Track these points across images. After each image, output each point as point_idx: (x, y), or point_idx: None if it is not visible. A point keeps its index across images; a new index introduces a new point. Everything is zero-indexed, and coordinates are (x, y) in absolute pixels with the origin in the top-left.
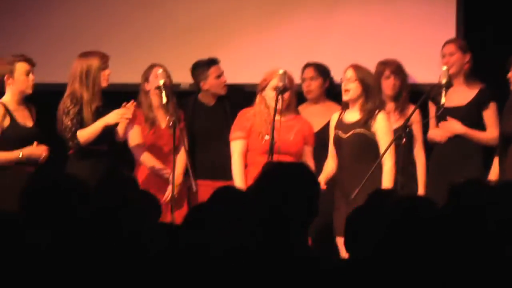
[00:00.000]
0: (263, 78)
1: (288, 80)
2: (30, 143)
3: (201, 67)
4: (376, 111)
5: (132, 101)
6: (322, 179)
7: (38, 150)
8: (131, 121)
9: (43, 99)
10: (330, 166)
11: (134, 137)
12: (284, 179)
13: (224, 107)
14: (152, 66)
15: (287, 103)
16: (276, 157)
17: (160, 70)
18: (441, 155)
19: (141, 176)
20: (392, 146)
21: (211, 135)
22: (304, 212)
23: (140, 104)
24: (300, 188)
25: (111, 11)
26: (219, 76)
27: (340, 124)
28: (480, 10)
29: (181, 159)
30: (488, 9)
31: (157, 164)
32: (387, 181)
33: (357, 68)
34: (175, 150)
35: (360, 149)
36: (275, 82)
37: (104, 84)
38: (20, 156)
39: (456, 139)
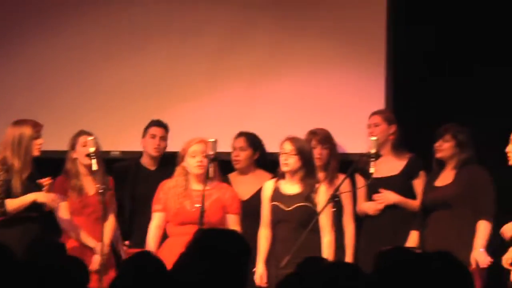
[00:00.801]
0: (182, 147)
1: (204, 147)
2: None
3: (148, 125)
4: (317, 184)
5: (48, 179)
6: (260, 266)
7: None
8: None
9: None
10: (263, 245)
11: (62, 209)
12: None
13: (167, 172)
14: (78, 134)
15: (202, 170)
16: (193, 227)
17: (91, 138)
18: (373, 226)
19: (68, 244)
20: (330, 217)
21: (151, 201)
22: (235, 280)
23: (68, 172)
24: (231, 256)
25: (43, 78)
26: (153, 136)
27: (278, 196)
28: (409, 82)
29: (110, 227)
30: (417, 78)
31: (85, 238)
32: (328, 254)
33: (294, 140)
34: (103, 218)
35: (304, 221)
36: (194, 148)
37: (36, 153)
38: None
39: (388, 210)
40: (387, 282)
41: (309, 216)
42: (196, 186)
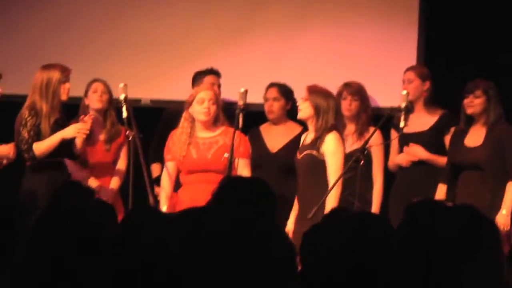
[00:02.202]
0: (190, 94)
1: (216, 96)
2: None
3: (199, 74)
4: (326, 132)
5: (90, 114)
6: (289, 222)
7: (5, 149)
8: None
9: (7, 110)
10: (296, 203)
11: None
12: (241, 192)
13: None
14: (91, 82)
15: (214, 117)
16: (200, 175)
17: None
18: (404, 180)
19: None
20: (338, 170)
21: None
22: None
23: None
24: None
25: (73, 25)
26: (213, 84)
27: (301, 146)
28: (442, 34)
29: (120, 173)
30: (450, 33)
31: (90, 180)
32: (331, 199)
33: (311, 88)
34: (130, 164)
35: (309, 170)
36: (201, 95)
37: (64, 97)
38: None
39: (419, 165)
40: (416, 233)
41: (312, 165)
42: (202, 133)
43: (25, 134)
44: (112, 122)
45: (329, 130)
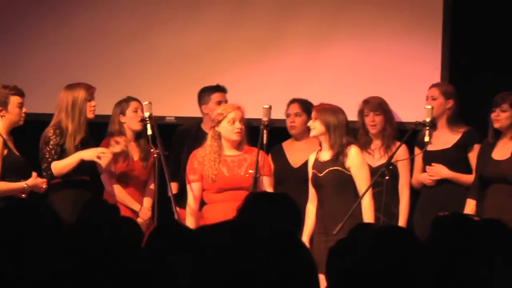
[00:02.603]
0: (219, 112)
1: (241, 114)
2: (23, 172)
3: (206, 91)
4: (347, 146)
5: (125, 138)
6: (305, 238)
7: (39, 181)
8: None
9: (31, 129)
10: (310, 217)
11: (109, 173)
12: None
13: None
14: (129, 100)
15: (241, 137)
16: (231, 194)
17: (146, 103)
18: (428, 198)
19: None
20: (368, 181)
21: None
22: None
23: (113, 135)
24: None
25: (97, 43)
26: (220, 102)
27: (316, 164)
28: (466, 49)
29: (151, 192)
30: (475, 45)
31: (130, 201)
32: (367, 215)
33: (318, 107)
34: (155, 181)
35: (336, 185)
36: (232, 115)
37: (90, 115)
38: (25, 186)
39: (443, 183)
40: (444, 246)
41: (340, 180)
42: (229, 152)
43: (46, 153)
44: (145, 140)
45: (348, 144)
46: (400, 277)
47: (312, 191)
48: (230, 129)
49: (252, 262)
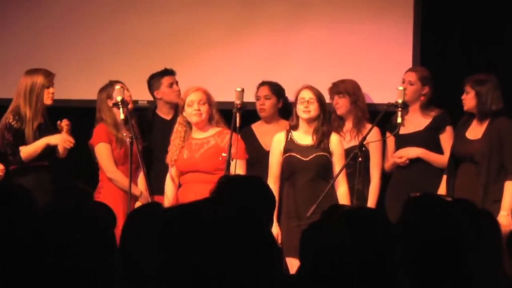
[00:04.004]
0: (180, 97)
1: (207, 96)
2: None
3: (155, 77)
4: (329, 132)
5: (65, 120)
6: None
7: None
8: (100, 138)
9: None
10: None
11: (105, 153)
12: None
13: None
14: (112, 83)
15: (207, 118)
16: (191, 176)
17: (118, 87)
18: (401, 177)
19: (107, 190)
20: (359, 168)
21: (167, 149)
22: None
23: (105, 121)
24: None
25: (67, 28)
26: (171, 84)
27: (293, 147)
28: (437, 30)
29: (143, 176)
30: (445, 28)
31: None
32: (345, 203)
33: (313, 88)
34: (131, 166)
35: (320, 171)
36: (190, 98)
37: (48, 101)
38: None
39: (415, 163)
40: (415, 226)
41: (326, 165)
42: (197, 134)
43: (10, 138)
44: (135, 123)
45: (329, 130)
46: (372, 257)
47: (276, 173)
48: (189, 112)
49: (212, 244)
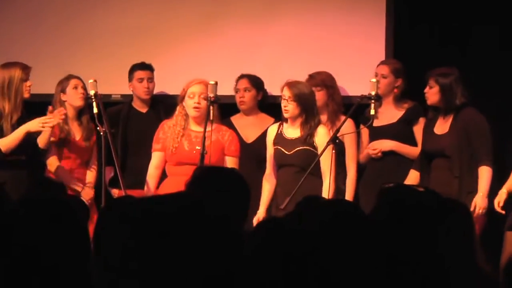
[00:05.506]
0: (182, 87)
1: (204, 89)
2: None
3: (131, 69)
4: (316, 126)
5: (60, 109)
6: (261, 211)
7: None
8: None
9: None
10: (266, 190)
11: (50, 153)
12: (215, 183)
13: (158, 114)
14: (69, 77)
15: (206, 112)
16: (189, 168)
17: (91, 81)
18: (374, 169)
19: None
20: (333, 161)
21: (143, 142)
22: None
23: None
24: (231, 193)
25: (40, 21)
26: (141, 79)
27: (281, 140)
28: (410, 22)
29: (94, 172)
30: (418, 19)
31: (72, 182)
32: (327, 196)
33: (292, 85)
34: (104, 161)
35: (305, 164)
36: (192, 89)
37: (26, 95)
38: None
39: (389, 155)
40: (389, 217)
41: (310, 159)
42: (195, 127)
43: None
44: (88, 119)
45: (318, 123)
46: (346, 251)
47: (270, 165)
48: (189, 104)
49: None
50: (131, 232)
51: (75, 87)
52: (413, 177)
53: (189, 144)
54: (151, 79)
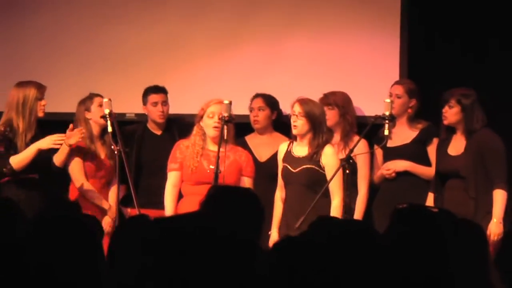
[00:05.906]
0: (201, 107)
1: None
2: None
3: (145, 92)
4: (323, 145)
5: (80, 129)
6: (274, 231)
7: None
8: (73, 151)
9: None
10: (277, 208)
11: (76, 168)
12: (229, 202)
13: (173, 135)
14: (92, 96)
15: (218, 132)
16: (203, 188)
17: (106, 100)
18: (388, 190)
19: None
20: (340, 181)
21: (157, 164)
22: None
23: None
24: (246, 213)
25: (54, 40)
26: (155, 103)
27: (288, 158)
28: (424, 43)
29: (115, 190)
30: (432, 39)
31: (99, 199)
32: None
33: (304, 102)
34: (118, 178)
35: (308, 183)
36: (212, 109)
37: (40, 114)
38: None
39: (403, 175)
40: (403, 237)
41: (315, 178)
42: (213, 147)
43: (1, 148)
44: (110, 137)
45: (325, 143)
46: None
47: (281, 183)
48: (208, 123)
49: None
50: (148, 251)
51: (100, 105)
52: (430, 200)
53: (209, 164)
54: (165, 102)
